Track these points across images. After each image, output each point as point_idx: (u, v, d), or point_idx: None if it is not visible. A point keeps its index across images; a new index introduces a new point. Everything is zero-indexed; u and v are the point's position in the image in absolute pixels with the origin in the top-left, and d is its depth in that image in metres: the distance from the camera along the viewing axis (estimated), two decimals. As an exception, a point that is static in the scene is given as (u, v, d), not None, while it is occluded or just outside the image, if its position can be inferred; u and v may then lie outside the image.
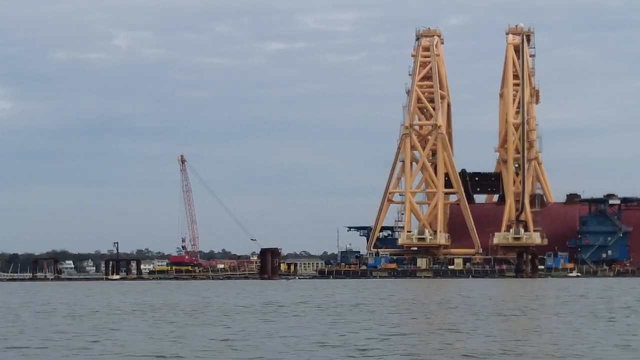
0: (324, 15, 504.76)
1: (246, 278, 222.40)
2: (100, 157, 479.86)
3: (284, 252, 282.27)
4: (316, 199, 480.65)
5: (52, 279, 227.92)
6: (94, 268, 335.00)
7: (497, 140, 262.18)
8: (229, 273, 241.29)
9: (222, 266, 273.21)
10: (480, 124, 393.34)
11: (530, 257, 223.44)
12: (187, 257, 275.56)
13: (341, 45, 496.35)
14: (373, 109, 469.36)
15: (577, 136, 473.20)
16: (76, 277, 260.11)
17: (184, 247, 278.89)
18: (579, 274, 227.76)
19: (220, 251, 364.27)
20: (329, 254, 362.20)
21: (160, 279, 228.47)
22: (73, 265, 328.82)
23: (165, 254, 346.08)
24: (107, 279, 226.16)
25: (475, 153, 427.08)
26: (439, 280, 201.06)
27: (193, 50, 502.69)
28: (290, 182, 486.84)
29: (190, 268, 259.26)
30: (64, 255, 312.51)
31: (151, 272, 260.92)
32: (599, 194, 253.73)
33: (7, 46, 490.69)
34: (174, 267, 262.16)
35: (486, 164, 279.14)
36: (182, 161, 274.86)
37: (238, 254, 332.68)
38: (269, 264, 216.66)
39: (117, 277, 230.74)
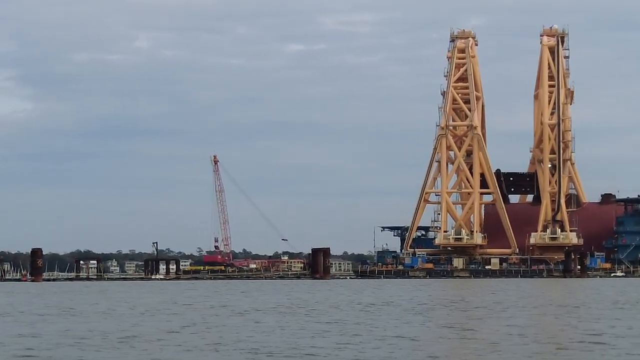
0: (344, 16, 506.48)
1: (298, 278, 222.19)
2: (119, 157, 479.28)
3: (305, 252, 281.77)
4: (333, 199, 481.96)
5: (96, 279, 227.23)
6: (118, 268, 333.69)
7: (530, 140, 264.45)
8: (281, 273, 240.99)
9: (253, 266, 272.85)
10: (505, 124, 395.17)
11: (578, 257, 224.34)
12: (219, 256, 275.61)
13: (361, 46, 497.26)
14: (391, 110, 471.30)
15: (602, 136, 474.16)
16: (118, 277, 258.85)
17: (216, 247, 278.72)
18: (624, 274, 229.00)
19: (241, 251, 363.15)
20: (349, 253, 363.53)
21: (215, 278, 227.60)
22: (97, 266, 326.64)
23: (187, 253, 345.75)
24: (154, 278, 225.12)
25: (503, 153, 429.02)
26: (503, 280, 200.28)
27: (214, 51, 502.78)
28: (307, 182, 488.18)
29: (223, 268, 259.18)
30: (88, 255, 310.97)
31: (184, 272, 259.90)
32: (632, 194, 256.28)
33: (28, 47, 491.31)
34: (206, 267, 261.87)
35: (508, 164, 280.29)
36: (215, 161, 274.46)
37: (260, 254, 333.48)
38: (321, 263, 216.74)
39: (160, 276, 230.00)
